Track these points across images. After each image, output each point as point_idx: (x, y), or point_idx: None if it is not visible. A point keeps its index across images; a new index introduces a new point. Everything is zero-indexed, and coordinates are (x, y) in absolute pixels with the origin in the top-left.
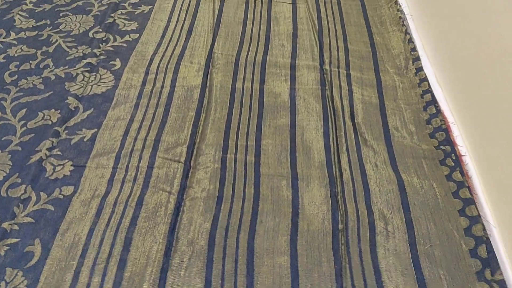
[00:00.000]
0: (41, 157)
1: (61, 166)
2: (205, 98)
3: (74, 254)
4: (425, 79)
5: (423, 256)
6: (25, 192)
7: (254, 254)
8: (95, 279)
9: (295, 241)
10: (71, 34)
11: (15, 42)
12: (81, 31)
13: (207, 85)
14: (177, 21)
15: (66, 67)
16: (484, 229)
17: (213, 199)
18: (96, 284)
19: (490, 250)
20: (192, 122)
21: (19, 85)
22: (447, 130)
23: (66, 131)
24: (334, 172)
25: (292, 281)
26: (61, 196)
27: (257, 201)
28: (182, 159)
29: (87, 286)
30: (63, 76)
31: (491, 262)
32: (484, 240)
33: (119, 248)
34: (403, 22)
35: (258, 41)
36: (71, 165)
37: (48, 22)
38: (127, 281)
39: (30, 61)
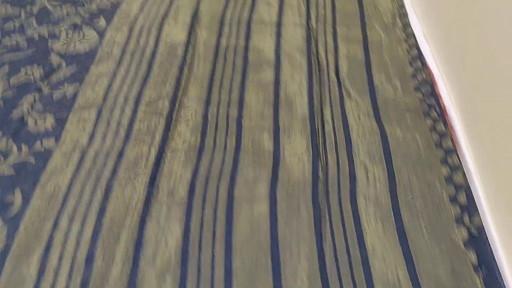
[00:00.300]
0: (23, 111)
1: (43, 120)
2: (188, 54)
3: (54, 204)
4: (412, 35)
5: (404, 206)
6: (6, 145)
7: (233, 203)
8: (74, 228)
9: (274, 190)
10: None
11: None
12: None
13: (191, 42)
14: None
15: (50, 25)
16: (465, 177)
17: (194, 151)
18: (75, 232)
19: (470, 197)
20: (175, 77)
21: (2, 43)
22: (432, 83)
23: (49, 87)
24: (316, 124)
25: (270, 228)
26: (42, 149)
27: (238, 152)
28: (164, 112)
29: (66, 234)
30: (46, 34)
31: (470, 207)
32: (465, 187)
33: (99, 198)
34: None
35: None
36: (53, 119)
37: None
38: (106, 230)
39: (14, 20)
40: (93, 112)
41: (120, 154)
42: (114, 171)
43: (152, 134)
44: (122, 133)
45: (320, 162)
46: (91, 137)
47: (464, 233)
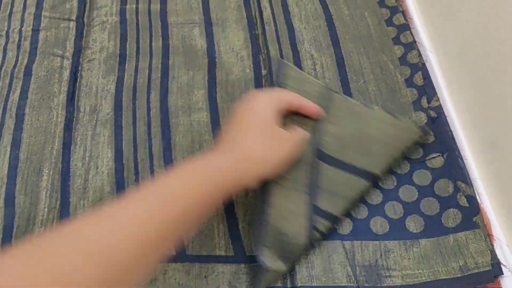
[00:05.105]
0: None
1: None
2: None
3: None
4: None
5: (356, 93)
6: None
7: (168, 114)
8: None
9: (213, 94)
10: None
11: None
12: None
13: None
14: None
15: None
16: (420, 55)
17: (114, 59)
18: None
19: (426, 76)
20: None
21: None
22: None
23: None
24: (253, 13)
25: (214, 138)
26: None
27: (166, 55)
28: (73, 16)
29: None
30: None
31: (427, 88)
32: (420, 66)
33: (10, 127)
34: None
35: None
36: None
37: None
38: (24, 162)
39: None
40: None
41: (28, 72)
42: (23, 93)
43: (62, 44)
44: (26, 46)
45: (261, 56)
46: None
47: (423, 117)
